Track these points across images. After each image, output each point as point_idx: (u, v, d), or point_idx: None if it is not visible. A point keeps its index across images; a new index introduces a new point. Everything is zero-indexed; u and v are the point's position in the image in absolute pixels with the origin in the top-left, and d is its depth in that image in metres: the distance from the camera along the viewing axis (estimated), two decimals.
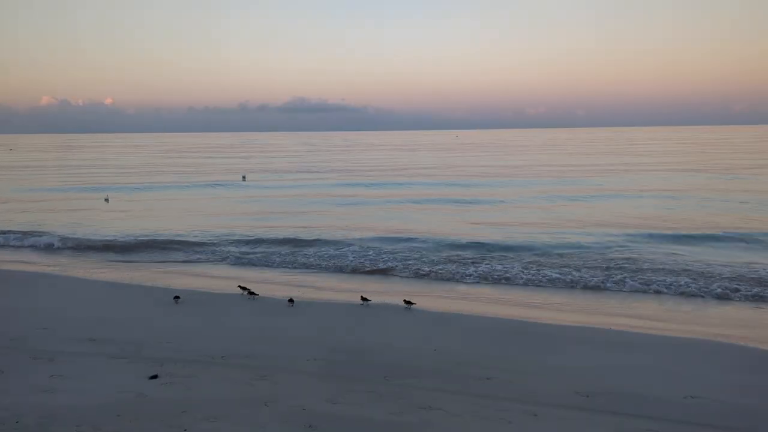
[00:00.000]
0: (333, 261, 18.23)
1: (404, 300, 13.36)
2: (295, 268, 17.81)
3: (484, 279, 16.17)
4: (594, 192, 36.38)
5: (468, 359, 9.89)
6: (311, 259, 18.42)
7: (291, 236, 22.23)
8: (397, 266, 17.38)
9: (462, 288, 15.61)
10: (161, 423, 7.23)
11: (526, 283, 15.71)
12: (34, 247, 21.26)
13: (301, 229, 23.79)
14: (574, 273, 16.32)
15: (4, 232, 23.27)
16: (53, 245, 21.17)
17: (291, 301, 13.45)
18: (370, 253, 19.07)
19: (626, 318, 12.80)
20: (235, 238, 22.13)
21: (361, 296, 13.41)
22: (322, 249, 19.62)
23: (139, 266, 18.01)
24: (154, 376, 8.77)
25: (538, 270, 16.72)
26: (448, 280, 16.29)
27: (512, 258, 18.31)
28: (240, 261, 18.58)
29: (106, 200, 35.31)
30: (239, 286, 14.34)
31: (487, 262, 17.73)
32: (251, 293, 13.86)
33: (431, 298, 14.26)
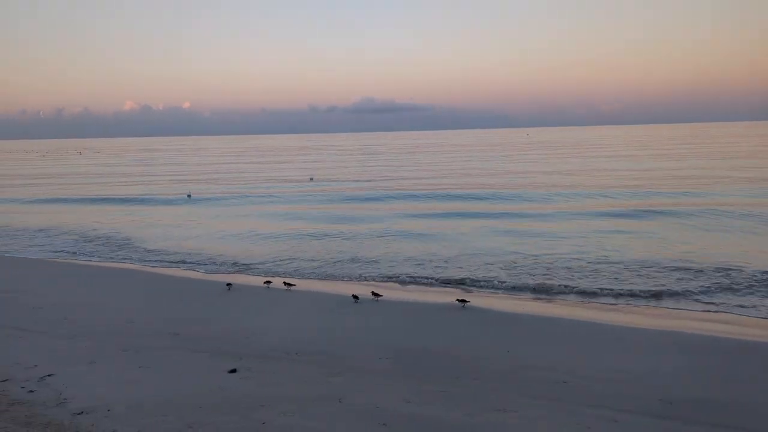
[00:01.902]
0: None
1: (457, 299, 13.29)
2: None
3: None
4: None
5: (541, 362, 9.68)
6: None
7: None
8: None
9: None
10: (240, 416, 7.46)
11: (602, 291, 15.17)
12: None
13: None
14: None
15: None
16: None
17: (355, 297, 13.70)
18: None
19: (709, 323, 12.15)
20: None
21: (458, 298, 13.38)
22: None
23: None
24: (233, 370, 9.06)
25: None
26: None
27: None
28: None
29: (189, 196, 37.12)
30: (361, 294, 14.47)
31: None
32: (375, 294, 13.77)
33: (500, 299, 14.03)
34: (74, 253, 20.53)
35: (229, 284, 14.82)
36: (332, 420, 7.41)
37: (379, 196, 35.22)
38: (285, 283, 14.91)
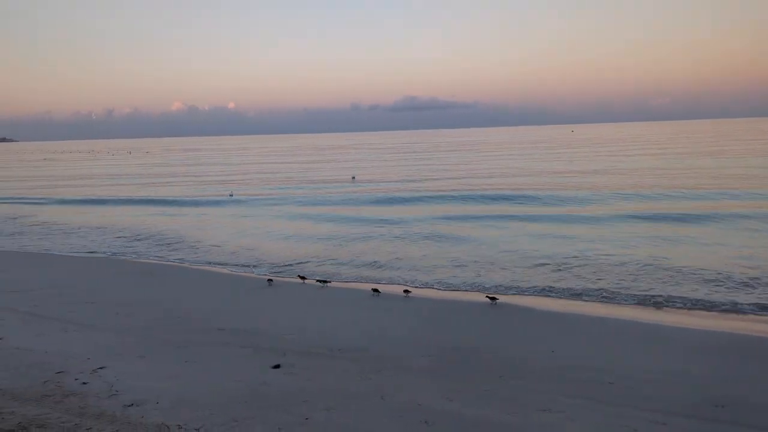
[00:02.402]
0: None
1: (487, 295, 13.34)
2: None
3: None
4: None
5: (586, 362, 9.49)
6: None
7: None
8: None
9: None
10: (284, 411, 7.57)
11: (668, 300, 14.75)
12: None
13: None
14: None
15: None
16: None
17: (407, 291, 13.91)
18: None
19: (764, 324, 11.70)
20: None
21: (487, 295, 13.38)
22: None
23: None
24: (277, 366, 9.19)
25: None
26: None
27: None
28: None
29: (231, 195, 37.76)
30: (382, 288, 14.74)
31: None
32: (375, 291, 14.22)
33: (543, 298, 13.82)
34: (125, 251, 21.11)
35: (270, 280, 15.42)
36: (374, 417, 7.44)
37: (420, 196, 34.33)
38: (318, 281, 15.20)
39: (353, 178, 50.26)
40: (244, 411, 7.56)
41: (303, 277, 15.34)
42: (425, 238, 21.65)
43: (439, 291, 14.53)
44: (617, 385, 8.53)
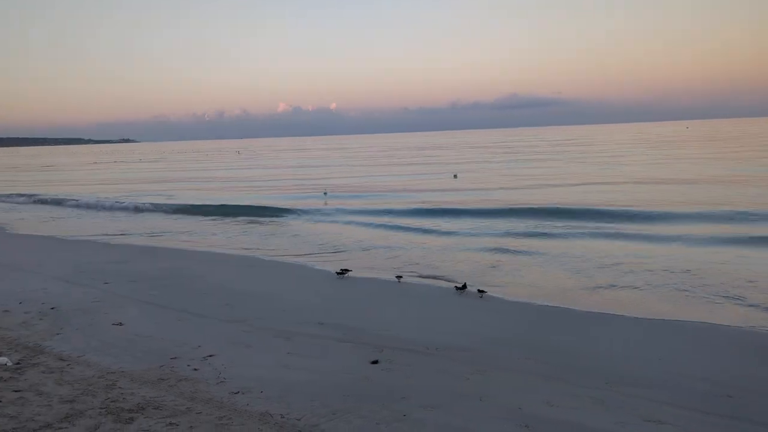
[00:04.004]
0: None
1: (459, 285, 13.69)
2: None
3: None
4: None
5: (700, 372, 8.87)
6: None
7: None
8: None
9: None
10: (382, 406, 7.62)
11: None
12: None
13: None
14: None
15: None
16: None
17: (481, 291, 13.71)
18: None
19: None
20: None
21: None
22: None
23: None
24: (375, 362, 9.28)
25: None
26: None
27: None
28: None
29: (325, 193, 38.52)
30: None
31: None
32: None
33: (654, 302, 13.06)
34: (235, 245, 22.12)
35: (342, 272, 15.75)
36: (472, 417, 7.34)
37: (523, 208, 28.04)
38: (397, 277, 15.35)
39: (455, 176, 49.42)
40: (343, 404, 7.68)
41: (399, 277, 15.37)
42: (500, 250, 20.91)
43: (543, 295, 14.09)
44: (736, 398, 7.92)
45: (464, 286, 14.00)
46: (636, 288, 14.14)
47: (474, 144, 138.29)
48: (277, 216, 29.19)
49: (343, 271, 15.86)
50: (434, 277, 15.66)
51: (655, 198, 29.81)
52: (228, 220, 28.99)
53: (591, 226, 22.62)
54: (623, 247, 18.79)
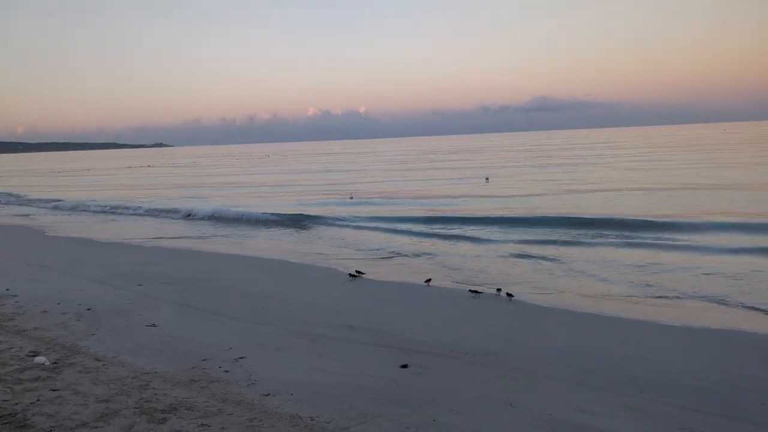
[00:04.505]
0: None
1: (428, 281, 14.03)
2: None
3: None
4: None
5: (739, 382, 8.64)
6: None
7: None
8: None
9: None
10: (412, 410, 7.60)
11: None
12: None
13: None
14: None
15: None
16: None
17: (509, 295, 13.63)
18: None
19: None
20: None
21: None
22: None
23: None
24: (405, 365, 9.26)
25: None
26: None
27: None
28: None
29: (351, 198, 38.37)
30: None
31: None
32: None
33: (691, 310, 12.77)
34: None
35: (358, 272, 16.03)
36: (502, 423, 7.28)
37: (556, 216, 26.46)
38: (426, 281, 15.32)
39: (487, 179, 49.03)
40: (373, 407, 7.69)
41: (428, 281, 15.33)
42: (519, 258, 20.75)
43: (575, 301, 13.89)
44: None
45: (498, 291, 13.93)
46: (672, 296, 13.85)
47: (504, 147, 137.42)
48: (305, 222, 28.96)
49: (358, 274, 16.05)
50: (463, 282, 15.56)
51: (690, 204, 28.99)
52: (258, 225, 29.24)
53: (625, 234, 21.85)
54: (658, 255, 18.35)
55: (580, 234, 22.30)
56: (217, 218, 31.78)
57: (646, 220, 23.98)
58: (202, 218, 32.37)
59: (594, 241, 20.99)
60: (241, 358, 9.61)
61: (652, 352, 10.04)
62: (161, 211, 35.87)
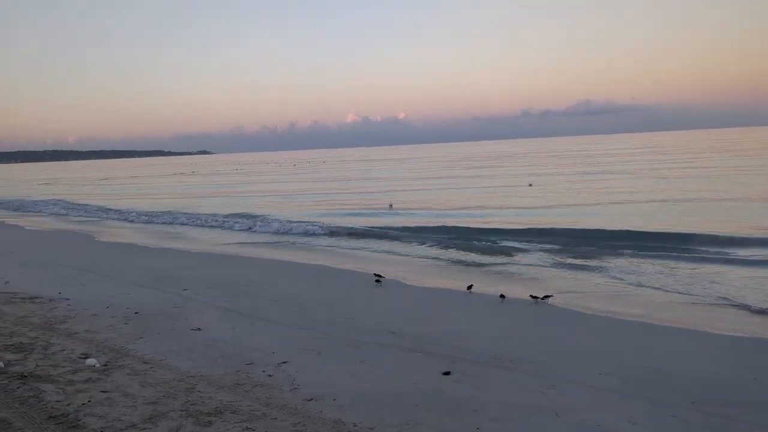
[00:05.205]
0: None
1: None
2: None
3: None
4: None
5: None
6: None
7: None
8: None
9: None
10: (454, 418, 7.53)
11: None
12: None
13: None
14: None
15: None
16: None
17: (546, 297, 13.69)
18: None
19: None
20: None
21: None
22: None
23: None
24: (447, 372, 9.18)
25: None
26: None
27: None
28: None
29: (390, 206, 38.17)
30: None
31: None
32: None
33: (745, 319, 12.32)
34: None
35: (378, 276, 16.27)
36: None
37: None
38: (468, 287, 15.10)
39: (530, 185, 48.29)
40: (416, 414, 7.64)
41: (470, 287, 15.13)
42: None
43: (621, 309, 13.57)
44: None
45: (544, 297, 13.73)
46: (725, 305, 13.39)
47: (549, 152, 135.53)
48: (345, 232, 28.31)
49: (378, 277, 16.27)
50: (507, 291, 15.35)
51: (747, 216, 27.14)
52: (302, 235, 29.35)
53: (677, 247, 20.46)
54: (712, 268, 17.64)
55: (626, 245, 21.30)
56: (272, 231, 30.30)
57: (706, 234, 22.12)
58: (243, 229, 31.69)
59: (641, 253, 19.93)
60: (284, 362, 9.69)
61: (703, 362, 9.70)
62: (205, 217, 36.27)
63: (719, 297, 13.89)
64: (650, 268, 17.60)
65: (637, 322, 12.22)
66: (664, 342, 10.89)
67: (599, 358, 9.95)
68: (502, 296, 14.20)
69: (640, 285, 15.57)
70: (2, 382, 8.68)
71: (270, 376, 9.09)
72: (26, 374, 8.98)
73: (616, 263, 18.38)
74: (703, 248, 20.16)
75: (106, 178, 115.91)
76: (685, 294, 14.36)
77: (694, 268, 17.21)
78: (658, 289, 15.01)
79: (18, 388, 8.46)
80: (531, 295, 13.94)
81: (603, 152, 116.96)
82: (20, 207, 52.17)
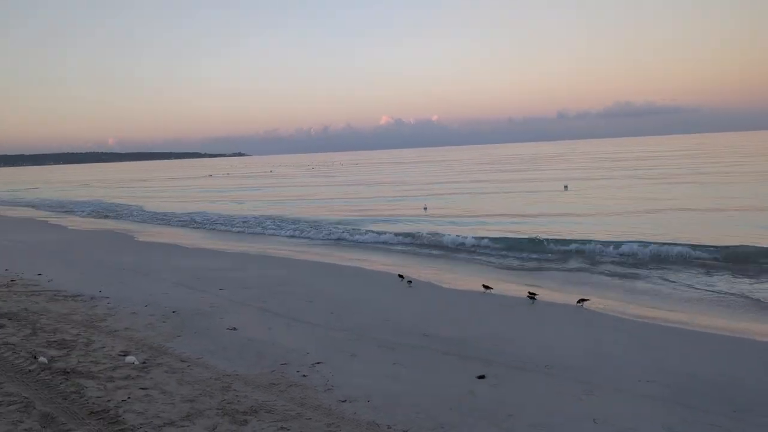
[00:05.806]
0: None
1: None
2: None
3: None
4: None
5: None
6: None
7: None
8: None
9: None
10: (489, 422, 7.46)
11: None
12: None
13: None
14: None
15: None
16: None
17: (583, 300, 13.61)
18: None
19: None
20: None
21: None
22: None
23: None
24: (482, 376, 9.11)
25: None
26: None
27: None
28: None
29: (425, 209, 37.85)
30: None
31: None
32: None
33: None
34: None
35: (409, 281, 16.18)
36: None
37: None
38: (529, 294, 14.44)
39: (565, 187, 47.45)
40: (450, 417, 7.60)
41: (533, 294, 14.63)
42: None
43: (660, 315, 13.28)
44: None
45: (581, 301, 13.55)
46: None
47: (585, 154, 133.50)
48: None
49: (406, 279, 16.48)
50: (548, 297, 15.16)
51: None
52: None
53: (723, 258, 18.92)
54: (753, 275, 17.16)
55: (673, 253, 20.35)
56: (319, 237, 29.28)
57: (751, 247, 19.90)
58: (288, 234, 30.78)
59: (684, 260, 19.27)
60: (318, 363, 9.74)
61: (746, 371, 9.42)
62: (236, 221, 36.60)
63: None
64: (691, 277, 17.11)
65: (677, 328, 11.93)
66: (704, 349, 10.60)
67: (637, 363, 9.73)
68: (531, 296, 14.14)
69: (681, 289, 15.23)
70: (46, 378, 8.93)
71: (304, 376, 9.14)
72: (69, 370, 9.22)
73: (655, 271, 17.98)
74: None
75: (144, 179, 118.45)
76: (728, 300, 13.98)
77: (737, 277, 16.76)
78: (698, 295, 14.66)
79: (61, 383, 8.69)
80: (578, 300, 13.70)
81: (646, 155, 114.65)
82: (63, 207, 53.77)
